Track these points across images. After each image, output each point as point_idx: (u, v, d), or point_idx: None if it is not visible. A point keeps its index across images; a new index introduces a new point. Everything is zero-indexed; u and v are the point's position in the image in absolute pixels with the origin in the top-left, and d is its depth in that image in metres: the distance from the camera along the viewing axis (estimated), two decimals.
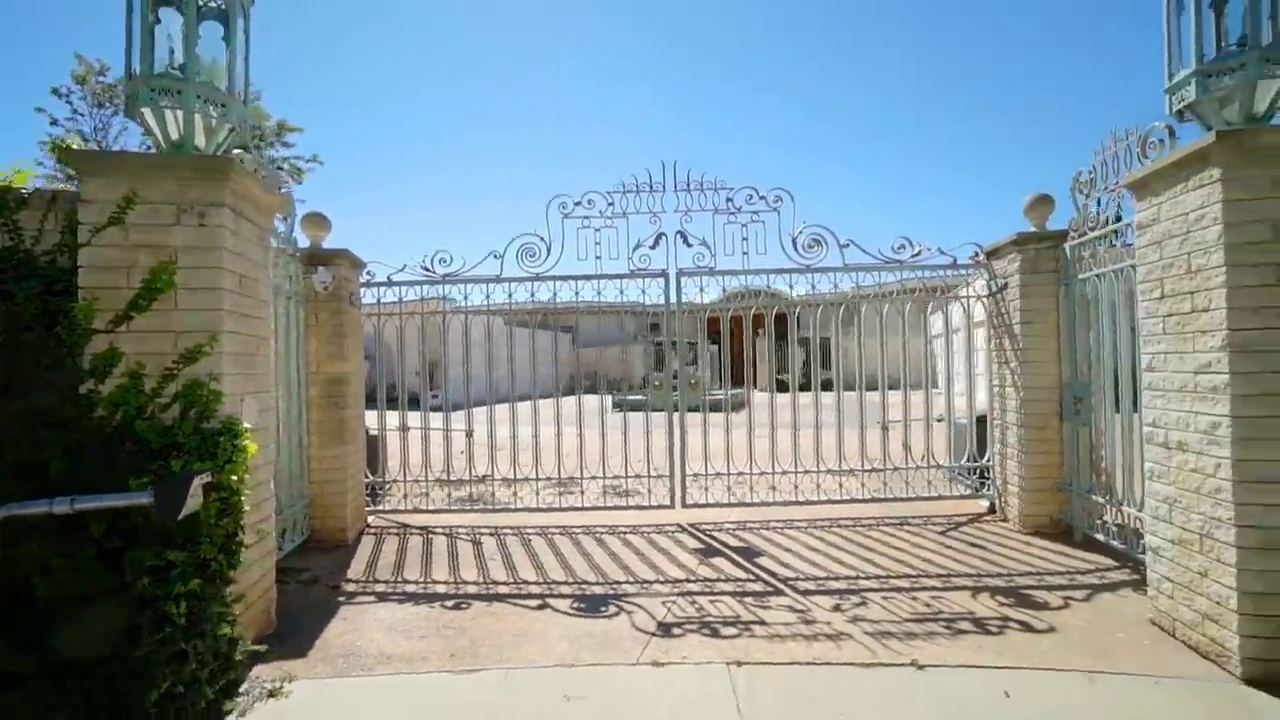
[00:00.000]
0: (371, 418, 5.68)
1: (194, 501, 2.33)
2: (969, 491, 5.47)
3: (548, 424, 5.53)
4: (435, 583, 3.99)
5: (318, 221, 5.10)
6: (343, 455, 4.88)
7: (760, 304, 5.95)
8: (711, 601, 3.59)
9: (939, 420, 5.60)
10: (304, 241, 5.03)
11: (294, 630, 3.28)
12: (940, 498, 5.41)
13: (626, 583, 3.91)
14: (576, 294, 5.46)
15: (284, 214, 4.52)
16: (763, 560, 4.28)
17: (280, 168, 23.99)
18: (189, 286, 2.65)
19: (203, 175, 2.65)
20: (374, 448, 5.71)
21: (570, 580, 3.99)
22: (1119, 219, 4.00)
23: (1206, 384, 2.82)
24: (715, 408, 16.48)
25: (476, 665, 2.90)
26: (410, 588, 3.92)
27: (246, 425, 2.76)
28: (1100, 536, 4.20)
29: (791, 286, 5.43)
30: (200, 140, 2.83)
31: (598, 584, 3.91)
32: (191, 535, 2.41)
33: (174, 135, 2.76)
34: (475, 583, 3.98)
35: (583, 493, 5.52)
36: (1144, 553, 3.37)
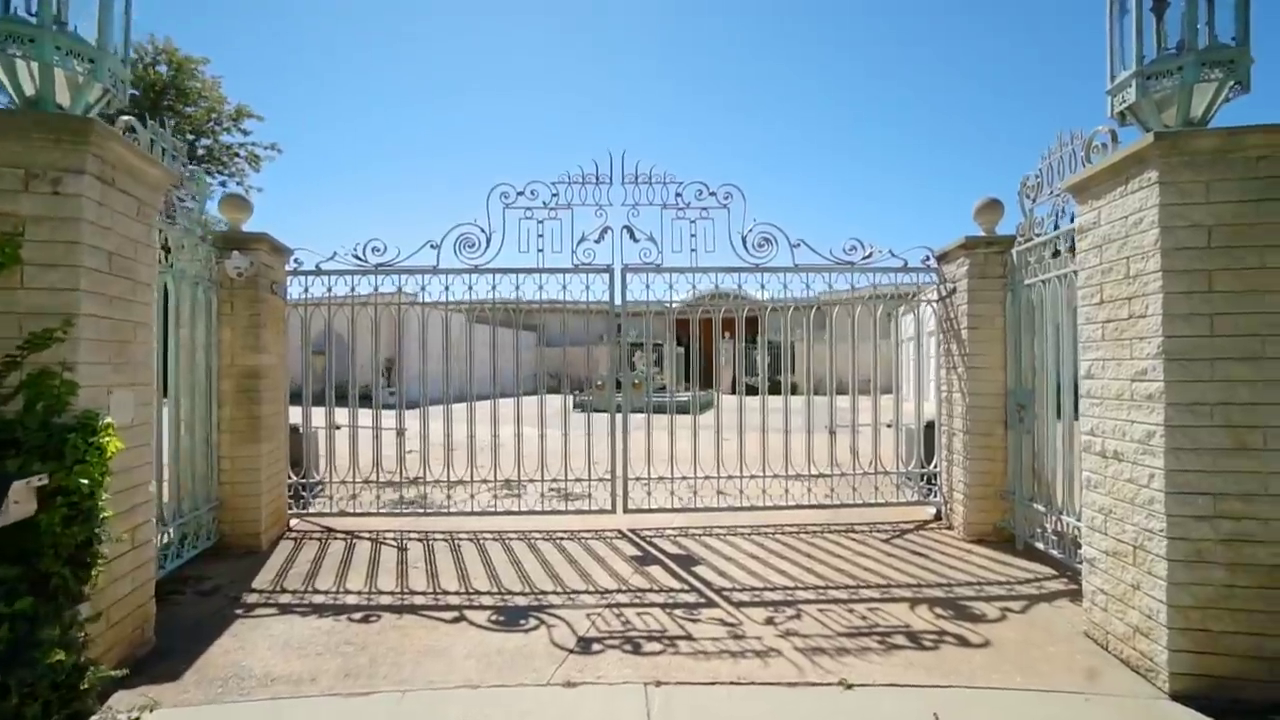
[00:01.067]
0: (319, 414, 5.34)
1: (21, 508, 2.04)
2: (916, 498, 5.40)
3: (508, 423, 5.27)
4: (347, 593, 3.71)
5: (236, 204, 4.76)
6: (257, 455, 4.54)
7: (706, 306, 5.79)
8: (639, 614, 3.39)
9: (888, 426, 5.52)
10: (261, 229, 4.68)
11: (175, 649, 2.97)
12: (887, 504, 5.33)
13: (553, 593, 3.69)
14: (517, 288, 5.22)
15: (197, 195, 4.19)
16: (700, 569, 4.10)
17: (237, 154, 23.06)
18: (39, 262, 2.34)
19: (56, 137, 2.34)
20: (303, 446, 5.37)
21: (494, 590, 3.75)
22: (1064, 224, 3.95)
23: (1142, 392, 2.74)
24: (685, 410, 16.53)
25: (370, 687, 2.64)
26: (319, 598, 3.62)
27: (110, 421, 2.46)
28: (1040, 545, 4.14)
29: (740, 286, 5.29)
30: (63, 98, 2.51)
31: (522, 594, 3.68)
32: (27, 547, 2.11)
33: (28, 90, 2.44)
34: (391, 593, 3.71)
35: (519, 496, 5.28)
36: (1081, 563, 3.29)
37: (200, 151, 19.93)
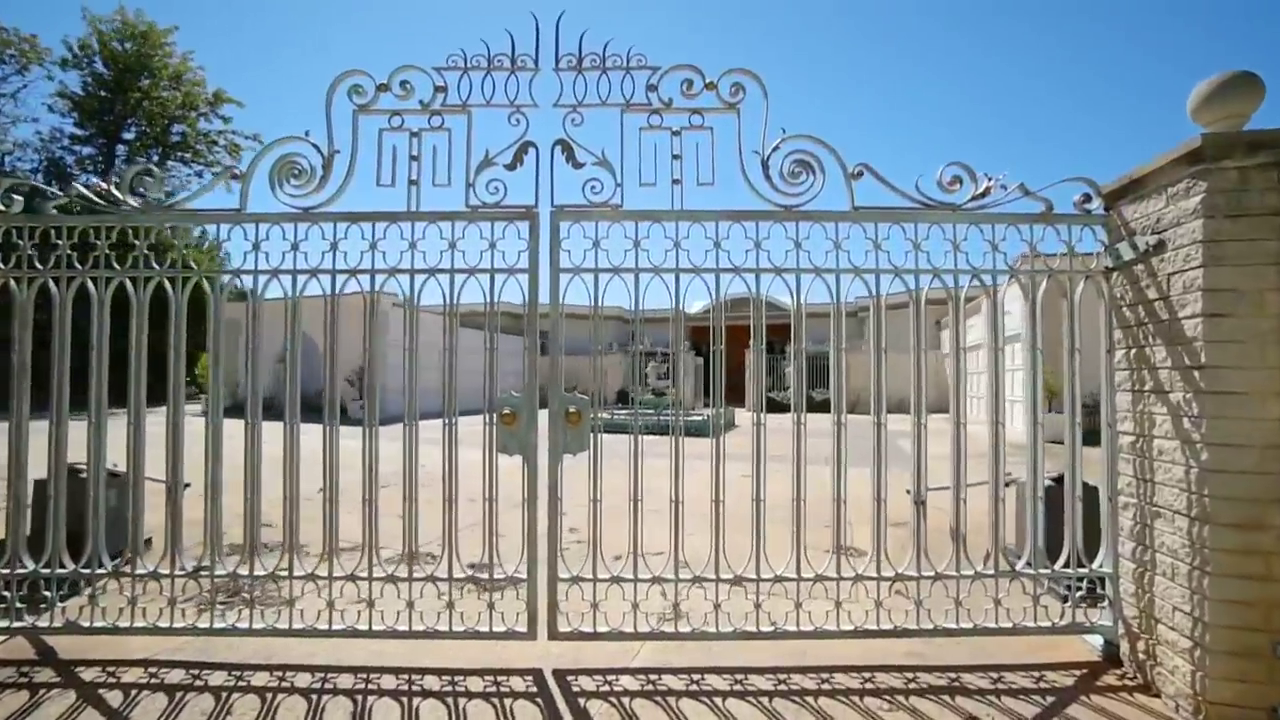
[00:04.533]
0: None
1: None
2: (1066, 620, 3.04)
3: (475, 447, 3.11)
4: None
5: None
6: None
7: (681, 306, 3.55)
8: None
9: (1008, 484, 3.23)
10: None
11: None
12: (1015, 629, 3.01)
13: None
14: (372, 245, 3.06)
15: None
16: None
17: (215, 142, 21.57)
18: None
19: None
20: (54, 504, 3.24)
21: None
22: None
23: None
24: (697, 431, 13.88)
25: None
26: None
27: None
28: None
29: (758, 245, 3.04)
30: None
31: None
32: None
33: None
34: None
35: (416, 583, 3.08)
36: None
37: (174, 138, 18.51)
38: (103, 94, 17.73)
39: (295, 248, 3.07)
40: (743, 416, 16.13)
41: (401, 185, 3.06)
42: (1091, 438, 3.00)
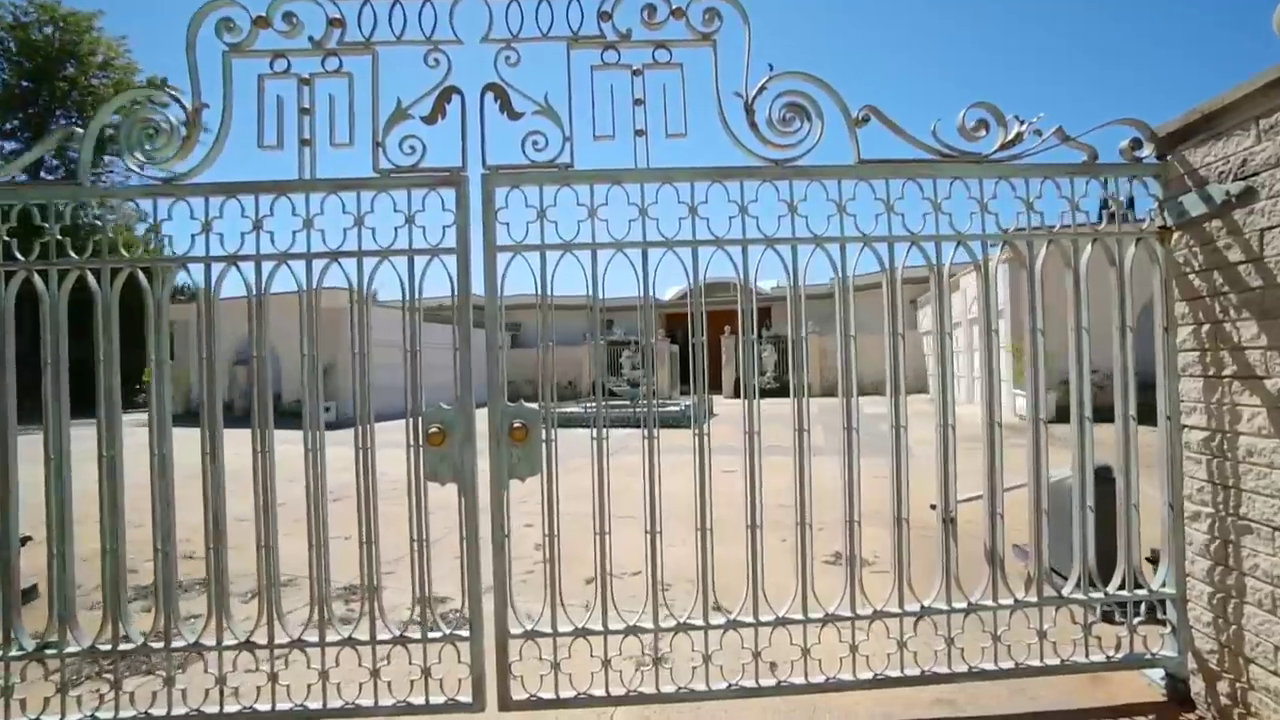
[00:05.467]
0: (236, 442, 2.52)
1: None
2: (1120, 653, 2.54)
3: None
4: None
5: None
6: None
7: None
8: None
9: (1064, 481, 2.70)
10: None
11: None
12: (1063, 666, 2.50)
13: None
14: (256, 224, 2.40)
15: None
16: None
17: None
18: None
19: None
20: None
21: None
22: None
23: None
24: (674, 423, 13.27)
25: None
26: None
27: None
28: None
29: (744, 210, 2.45)
30: None
31: None
32: None
33: None
34: None
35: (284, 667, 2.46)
36: None
37: (109, 132, 17.14)
38: (25, 84, 16.30)
39: (155, 230, 2.39)
40: (720, 404, 15.67)
41: (291, 147, 2.40)
42: (1098, 414, 2.50)
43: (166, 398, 2.41)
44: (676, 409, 14.59)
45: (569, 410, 13.58)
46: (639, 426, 2.46)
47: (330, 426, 2.75)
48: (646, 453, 2.45)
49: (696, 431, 2.44)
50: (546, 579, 2.46)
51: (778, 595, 2.49)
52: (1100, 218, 2.61)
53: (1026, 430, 2.54)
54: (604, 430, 2.41)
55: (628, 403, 14.77)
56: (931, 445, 2.50)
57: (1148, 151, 2.49)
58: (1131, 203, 2.53)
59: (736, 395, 20.67)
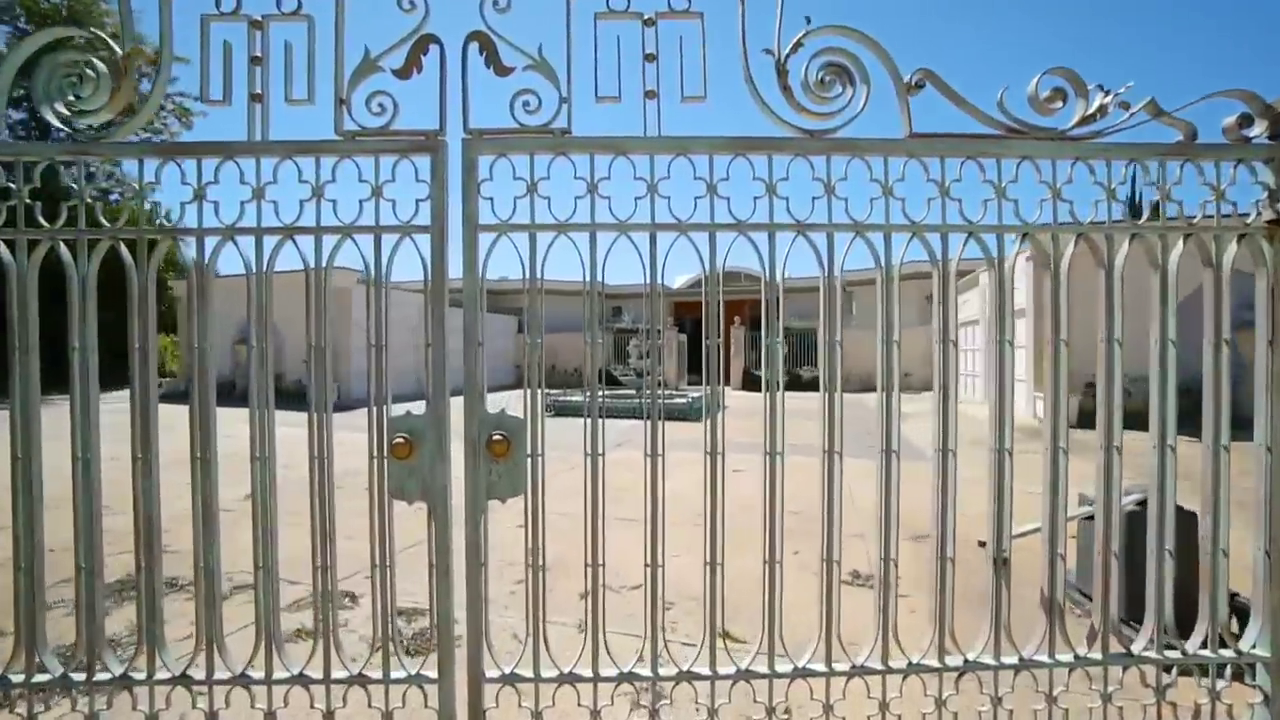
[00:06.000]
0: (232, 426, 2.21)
1: None
2: (1203, 714, 2.18)
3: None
4: None
5: None
6: None
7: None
8: None
9: (1089, 517, 2.33)
10: None
11: None
12: None
13: None
14: (198, 192, 2.04)
15: None
16: None
17: (161, 107, 19.73)
18: None
19: None
20: None
21: None
22: None
23: None
24: (680, 416, 12.90)
25: None
26: None
27: None
28: None
29: (772, 190, 2.07)
30: None
31: None
32: None
33: None
34: None
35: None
36: None
37: (179, 141, 16.93)
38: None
39: (80, 191, 2.04)
40: (728, 396, 15.27)
41: (240, 103, 2.04)
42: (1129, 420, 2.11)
43: (93, 396, 2.08)
44: (684, 401, 14.26)
45: (571, 400, 13.29)
46: (644, 418, 2.10)
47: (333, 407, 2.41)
48: (649, 472, 2.09)
49: (708, 455, 2.06)
50: (529, 613, 2.11)
51: (792, 627, 2.14)
52: (1134, 212, 2.22)
53: (1043, 435, 2.15)
54: (600, 452, 2.05)
55: (633, 392, 14.44)
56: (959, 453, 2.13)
57: (1258, 130, 2.08)
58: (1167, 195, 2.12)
59: (744, 388, 20.26)
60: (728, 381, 21.19)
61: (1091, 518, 2.28)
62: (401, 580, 3.27)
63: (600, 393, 2.14)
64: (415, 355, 2.13)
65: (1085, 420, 2.15)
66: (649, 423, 2.09)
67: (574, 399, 13.25)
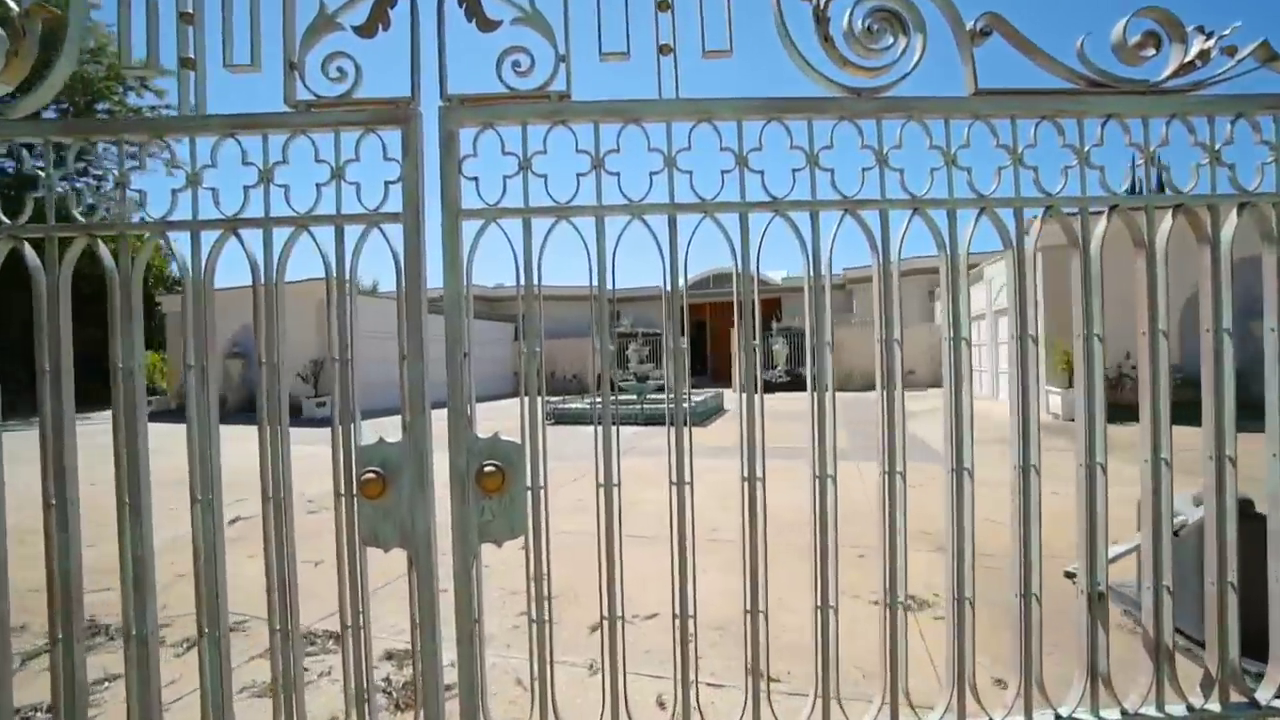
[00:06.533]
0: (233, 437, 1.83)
1: None
2: None
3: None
4: None
5: None
6: None
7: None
8: None
9: (1176, 531, 1.99)
10: None
11: None
12: None
13: None
14: (119, 180, 1.71)
15: None
16: None
17: (117, 78, 19.06)
18: None
19: None
20: None
21: None
22: None
23: None
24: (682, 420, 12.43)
25: None
26: None
27: None
28: None
29: (812, 160, 1.73)
30: None
31: None
32: None
33: None
34: None
35: None
36: None
37: (99, 116, 16.44)
38: None
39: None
40: (730, 399, 15.02)
41: (170, 68, 1.69)
42: (1117, 414, 1.78)
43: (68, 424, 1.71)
44: (688, 405, 13.91)
45: (571, 407, 12.95)
46: (646, 424, 1.75)
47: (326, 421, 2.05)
48: (675, 501, 1.74)
49: (745, 480, 1.71)
50: (534, 674, 1.76)
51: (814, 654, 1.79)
52: (1135, 186, 1.88)
53: (1062, 431, 1.81)
54: (614, 477, 1.69)
55: (634, 398, 14.12)
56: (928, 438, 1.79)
57: None
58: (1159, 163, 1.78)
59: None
60: (728, 384, 20.89)
61: (1192, 530, 1.94)
62: (392, 615, 2.90)
63: (612, 403, 1.79)
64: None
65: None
66: (670, 445, 1.73)
67: (573, 406, 12.88)
